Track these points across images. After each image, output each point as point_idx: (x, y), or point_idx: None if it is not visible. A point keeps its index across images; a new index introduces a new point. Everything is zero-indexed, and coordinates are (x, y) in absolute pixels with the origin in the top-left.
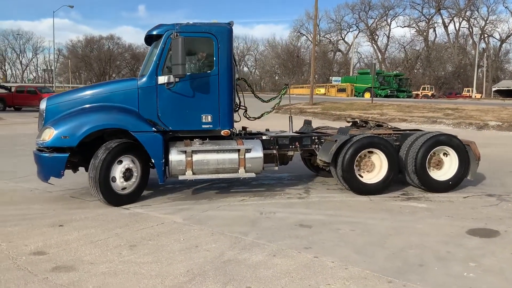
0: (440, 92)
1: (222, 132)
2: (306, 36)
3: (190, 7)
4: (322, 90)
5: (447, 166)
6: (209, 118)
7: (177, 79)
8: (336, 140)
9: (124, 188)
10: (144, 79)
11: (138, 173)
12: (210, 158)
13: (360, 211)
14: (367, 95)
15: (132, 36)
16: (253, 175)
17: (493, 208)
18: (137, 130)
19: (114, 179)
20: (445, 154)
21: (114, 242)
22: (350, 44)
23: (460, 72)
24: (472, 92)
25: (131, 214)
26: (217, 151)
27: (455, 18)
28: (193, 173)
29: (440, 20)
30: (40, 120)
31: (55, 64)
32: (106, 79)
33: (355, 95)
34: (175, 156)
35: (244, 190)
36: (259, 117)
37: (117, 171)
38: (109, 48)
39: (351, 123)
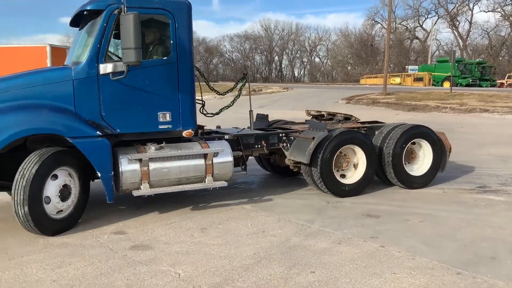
0: None
1: (184, 133)
2: (381, 24)
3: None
4: (398, 80)
5: (421, 160)
6: (168, 117)
7: (127, 68)
8: (313, 138)
9: (60, 211)
10: (81, 67)
11: (77, 190)
12: (171, 166)
13: (431, 203)
14: (447, 84)
15: (205, 29)
16: (224, 184)
17: None
18: (75, 136)
19: (48, 200)
20: (418, 146)
21: (187, 225)
22: (429, 31)
23: None
24: None
25: (202, 199)
26: (179, 157)
27: None
28: (150, 186)
29: None
30: None
31: None
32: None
33: (433, 85)
34: (127, 166)
35: None
36: (217, 113)
37: (52, 189)
38: None
39: (311, 116)
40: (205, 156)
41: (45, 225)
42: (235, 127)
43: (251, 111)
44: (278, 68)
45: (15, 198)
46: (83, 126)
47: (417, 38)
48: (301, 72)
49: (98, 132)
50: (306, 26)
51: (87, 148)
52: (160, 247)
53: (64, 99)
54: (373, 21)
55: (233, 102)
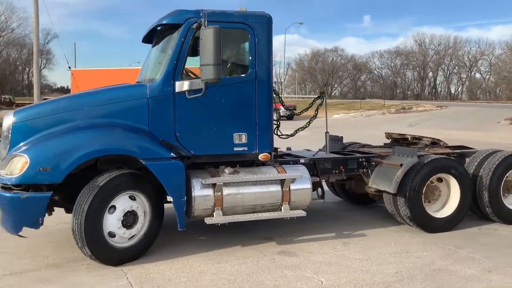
0: None
1: (261, 157)
2: None
3: (417, 14)
4: None
5: None
6: (244, 138)
7: (205, 86)
8: (401, 164)
9: (132, 237)
10: (157, 85)
11: (147, 214)
12: (245, 192)
13: None
14: None
15: (354, 46)
16: (302, 213)
17: None
18: (149, 157)
19: (112, 234)
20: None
21: (330, 237)
22: None
23: None
24: None
25: (343, 213)
26: (255, 182)
27: None
28: (223, 213)
29: None
30: (4, 144)
31: (285, 76)
32: (328, 90)
33: None
34: (200, 191)
35: None
36: (292, 135)
37: (113, 222)
38: (333, 60)
39: (391, 140)
40: (282, 182)
41: (111, 256)
42: (307, 149)
43: (327, 132)
44: (431, 84)
45: (75, 237)
46: (157, 147)
47: None
48: (459, 89)
49: (172, 154)
50: (466, 40)
51: (160, 170)
52: (304, 255)
53: (137, 118)
54: None
55: (308, 123)
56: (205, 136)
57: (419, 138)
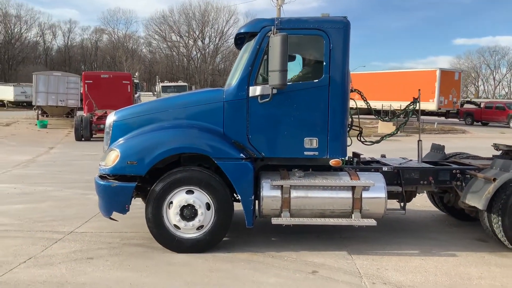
0: None
1: (332, 162)
2: None
3: None
4: None
5: None
6: (315, 143)
7: (274, 91)
8: (494, 179)
9: (200, 227)
10: (232, 90)
11: (211, 209)
12: (314, 197)
13: None
14: None
15: None
16: (373, 222)
17: None
18: (221, 156)
19: (176, 226)
20: None
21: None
22: None
23: None
24: None
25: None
26: (324, 187)
27: None
28: (291, 215)
29: None
30: (106, 139)
31: None
32: None
33: None
34: (269, 192)
35: None
36: (378, 141)
37: (172, 215)
38: None
39: (501, 152)
40: (352, 188)
41: (175, 245)
42: (403, 157)
43: (419, 141)
44: None
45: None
46: (229, 148)
47: None
48: None
49: (242, 155)
50: None
51: (230, 169)
52: None
53: (214, 120)
54: None
55: (397, 129)
56: (276, 139)
57: None
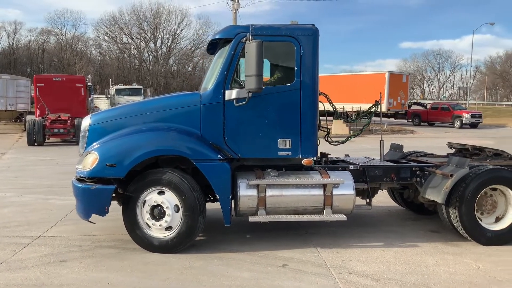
0: None
1: (304, 161)
2: None
3: None
4: None
5: None
6: (288, 144)
7: (250, 94)
8: (451, 175)
9: (168, 228)
10: (208, 93)
11: (178, 209)
12: (288, 195)
13: None
14: None
15: None
16: (343, 217)
17: None
18: (199, 158)
19: (148, 225)
20: None
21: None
22: None
23: None
24: None
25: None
26: (297, 185)
27: None
28: (267, 213)
29: None
30: (82, 142)
31: (471, 81)
32: None
33: None
34: (245, 191)
35: None
36: (343, 141)
37: (144, 213)
38: None
39: (455, 150)
40: (324, 186)
41: (146, 243)
42: (366, 157)
43: (381, 140)
44: None
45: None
46: (207, 150)
47: None
48: None
49: (219, 156)
50: None
51: (208, 170)
52: (466, 246)
53: (191, 123)
54: None
55: (361, 130)
56: (251, 140)
57: (481, 149)
